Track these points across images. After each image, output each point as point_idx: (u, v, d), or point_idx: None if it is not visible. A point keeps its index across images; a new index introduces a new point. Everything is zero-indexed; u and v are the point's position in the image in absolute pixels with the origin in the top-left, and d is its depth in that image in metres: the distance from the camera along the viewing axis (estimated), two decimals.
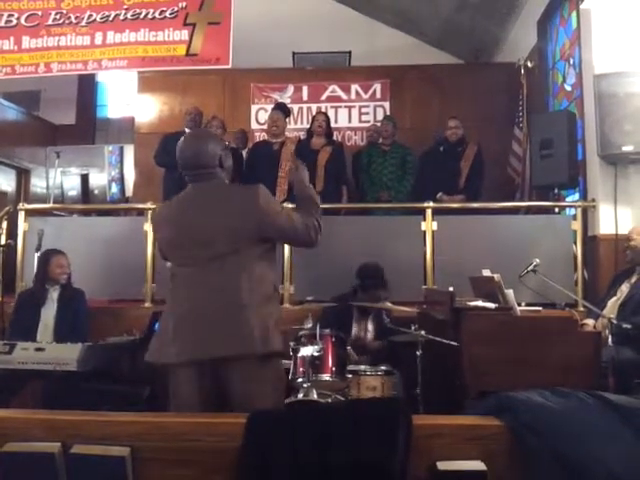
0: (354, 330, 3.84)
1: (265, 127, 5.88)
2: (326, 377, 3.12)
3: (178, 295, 2.13)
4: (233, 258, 2.08)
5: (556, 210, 5.00)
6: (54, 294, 3.93)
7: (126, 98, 8.83)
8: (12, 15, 5.16)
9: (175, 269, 2.19)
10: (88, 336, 3.73)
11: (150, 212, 4.55)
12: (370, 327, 3.86)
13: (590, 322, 3.52)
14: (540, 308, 3.94)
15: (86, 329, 3.91)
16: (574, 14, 5.12)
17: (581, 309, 3.91)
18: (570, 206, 4.87)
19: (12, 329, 3.83)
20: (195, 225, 2.12)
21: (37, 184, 7.93)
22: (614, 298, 3.50)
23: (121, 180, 7.59)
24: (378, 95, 7.18)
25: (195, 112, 5.65)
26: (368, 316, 3.86)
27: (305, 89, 7.25)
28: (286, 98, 6.99)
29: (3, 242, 4.45)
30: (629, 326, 3.00)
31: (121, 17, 5.07)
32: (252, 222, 2.09)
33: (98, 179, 7.33)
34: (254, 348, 1.99)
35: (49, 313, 3.88)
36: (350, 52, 7.84)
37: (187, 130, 5.55)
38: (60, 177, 7.09)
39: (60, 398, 3.24)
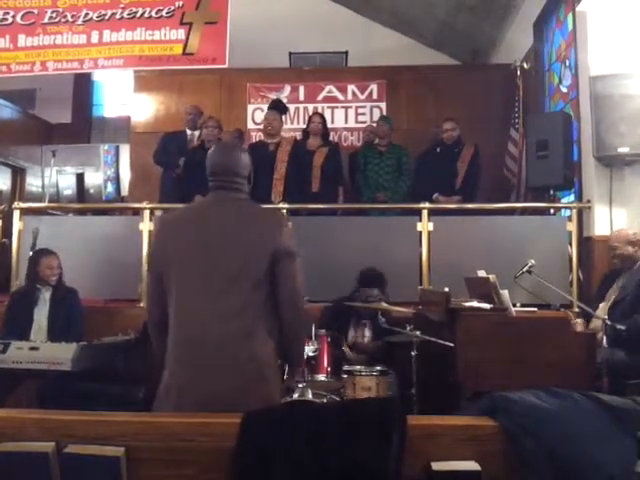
0: (351, 334, 3.85)
1: (261, 127, 5.88)
2: (321, 377, 3.13)
3: (186, 341, 1.94)
4: (246, 291, 1.92)
5: (551, 211, 5.02)
6: (46, 294, 3.92)
7: (122, 97, 8.82)
8: (8, 13, 5.14)
9: (178, 297, 1.98)
10: (83, 336, 3.71)
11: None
12: (367, 333, 3.86)
13: (579, 321, 3.52)
14: (535, 309, 3.94)
15: (81, 329, 3.90)
16: (570, 16, 5.13)
17: (576, 310, 3.92)
18: (565, 207, 4.88)
19: (6, 329, 3.82)
20: (214, 235, 1.98)
21: (32, 183, 7.92)
22: (604, 302, 3.49)
23: (117, 179, 7.59)
24: (374, 96, 7.19)
25: (195, 112, 5.67)
26: (366, 322, 3.87)
27: (302, 89, 7.25)
28: (283, 98, 6.98)
29: None
30: (623, 327, 3.01)
31: (117, 16, 5.06)
32: (269, 246, 1.94)
33: (94, 178, 7.33)
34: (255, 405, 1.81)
35: (42, 314, 3.87)
36: (347, 52, 7.85)
37: (187, 130, 5.57)
38: (56, 176, 7.10)
39: (54, 398, 3.24)
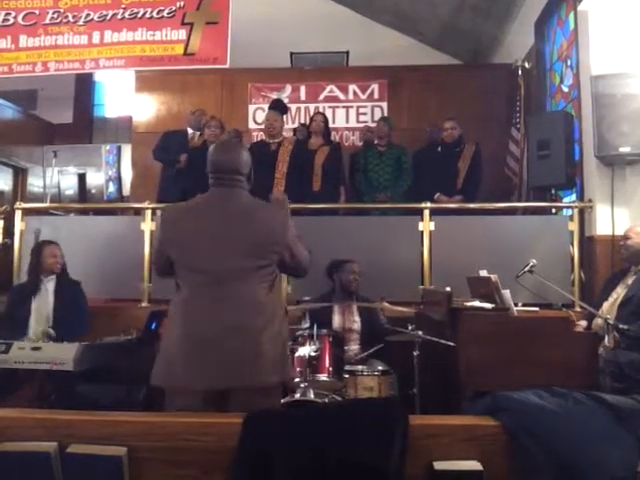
0: (337, 322, 3.84)
1: (263, 127, 5.88)
2: (323, 377, 3.13)
3: (191, 315, 2.04)
4: (251, 277, 2.05)
5: (553, 211, 5.01)
6: (49, 285, 3.88)
7: (124, 97, 8.82)
8: (9, 14, 5.15)
9: (185, 282, 2.11)
10: (87, 327, 3.76)
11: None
12: (357, 318, 3.87)
13: (583, 323, 3.52)
14: (537, 308, 3.94)
15: (86, 319, 3.91)
16: (571, 15, 5.13)
17: (578, 310, 3.91)
18: (567, 207, 4.87)
19: (1, 324, 3.77)
20: (218, 232, 2.06)
21: (34, 183, 7.92)
22: (610, 299, 3.48)
23: (118, 179, 7.59)
24: (376, 95, 7.19)
25: (200, 113, 5.67)
26: (351, 306, 3.88)
27: (303, 89, 7.25)
28: (284, 98, 6.98)
29: (0, 241, 4.45)
30: (626, 327, 2.99)
31: (119, 16, 5.07)
32: (274, 240, 2.10)
33: (95, 178, 7.33)
34: (269, 378, 2.00)
35: (43, 304, 3.81)
36: (348, 52, 7.85)
37: (189, 130, 5.57)
38: (57, 176, 7.09)
39: (56, 398, 3.23)
